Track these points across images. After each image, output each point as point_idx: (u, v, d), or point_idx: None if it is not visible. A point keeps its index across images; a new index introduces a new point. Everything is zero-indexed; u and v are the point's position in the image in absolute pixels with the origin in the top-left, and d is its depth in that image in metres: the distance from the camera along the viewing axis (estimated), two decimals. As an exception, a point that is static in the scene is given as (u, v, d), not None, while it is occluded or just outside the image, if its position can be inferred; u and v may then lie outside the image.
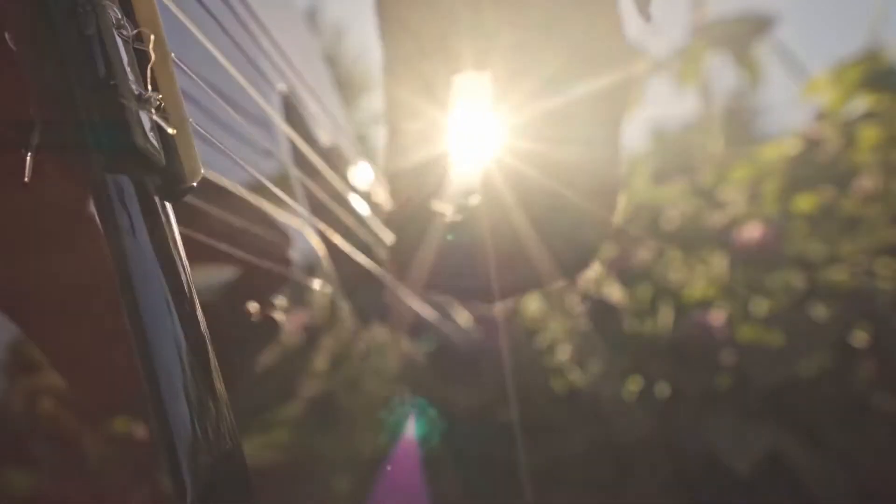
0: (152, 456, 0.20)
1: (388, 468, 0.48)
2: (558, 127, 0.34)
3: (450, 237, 0.38)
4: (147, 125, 0.18)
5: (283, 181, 0.37)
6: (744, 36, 1.24)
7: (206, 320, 0.21)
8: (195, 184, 0.20)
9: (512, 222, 0.35)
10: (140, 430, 0.20)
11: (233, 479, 0.21)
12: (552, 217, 0.35)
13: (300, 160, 0.42)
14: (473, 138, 0.39)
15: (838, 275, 1.07)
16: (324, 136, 0.52)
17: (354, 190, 0.52)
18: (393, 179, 0.39)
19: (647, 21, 0.33)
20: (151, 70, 0.18)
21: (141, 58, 0.18)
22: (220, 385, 0.21)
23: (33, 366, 0.17)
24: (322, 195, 0.44)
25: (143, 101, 0.18)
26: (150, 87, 0.18)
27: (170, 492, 0.18)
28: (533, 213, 0.35)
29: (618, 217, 0.35)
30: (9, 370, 0.16)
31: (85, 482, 0.17)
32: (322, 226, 0.42)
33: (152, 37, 0.19)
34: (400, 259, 0.39)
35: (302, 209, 0.39)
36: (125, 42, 0.18)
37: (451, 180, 0.39)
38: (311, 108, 0.51)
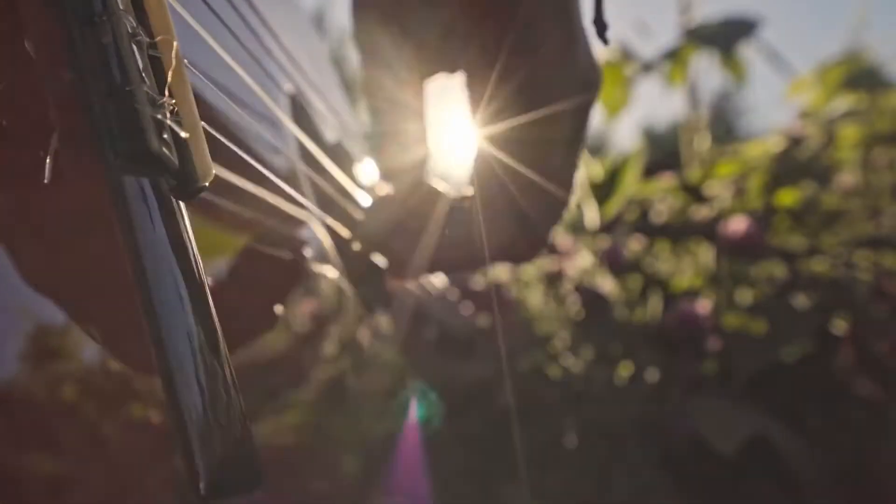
0: (168, 440, 0.20)
1: (393, 450, 0.49)
2: (523, 129, 0.35)
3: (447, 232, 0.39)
4: (161, 129, 0.18)
5: (291, 177, 0.37)
6: (730, 38, 1.24)
7: (219, 312, 0.21)
8: (207, 184, 0.20)
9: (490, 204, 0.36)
10: (156, 415, 0.20)
11: (243, 464, 0.21)
12: (516, 200, 0.36)
13: (307, 157, 0.42)
14: (452, 137, 0.40)
15: (819, 266, 1.07)
16: (330, 134, 0.52)
17: (359, 185, 0.52)
18: (385, 176, 0.40)
19: (605, 44, 0.33)
20: (165, 76, 0.18)
21: (155, 64, 0.18)
22: (230, 373, 0.21)
23: (55, 353, 0.17)
24: (328, 190, 0.44)
25: (157, 107, 0.18)
26: (164, 93, 0.18)
27: (185, 477, 0.18)
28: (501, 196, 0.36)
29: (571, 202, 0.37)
30: (31, 358, 0.16)
31: (105, 466, 0.17)
32: (328, 219, 0.42)
33: (166, 44, 0.19)
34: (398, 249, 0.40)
35: (309, 204, 0.40)
36: (140, 50, 0.18)
37: (436, 175, 0.40)
38: (318, 107, 0.51)
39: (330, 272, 0.39)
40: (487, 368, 1.02)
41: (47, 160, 0.17)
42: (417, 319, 0.62)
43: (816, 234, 1.12)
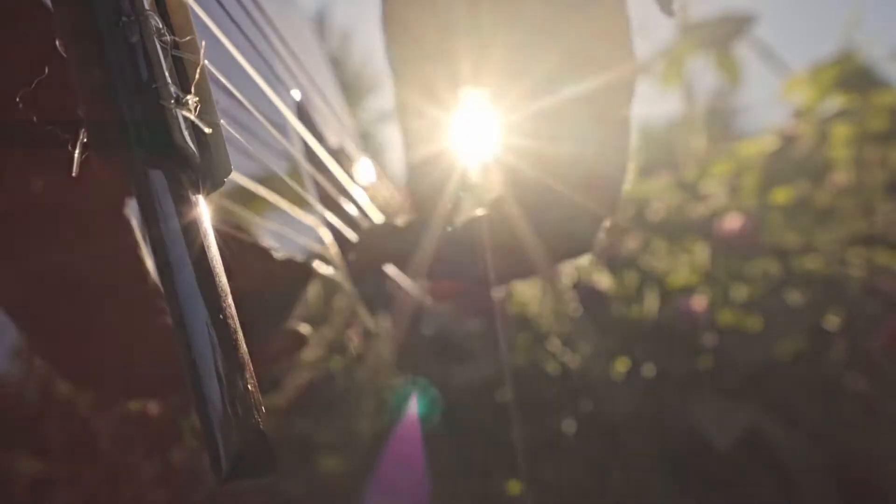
0: (164, 433, 0.21)
1: (392, 444, 0.49)
2: (553, 125, 0.34)
3: (450, 229, 0.38)
4: (184, 125, 0.18)
5: (296, 177, 0.38)
6: (725, 37, 1.24)
7: (234, 303, 0.22)
8: (226, 179, 0.21)
9: (509, 216, 0.35)
10: (153, 408, 0.20)
11: (259, 451, 0.21)
12: (546, 210, 0.35)
13: (312, 158, 0.42)
14: (474, 135, 0.39)
15: (812, 263, 1.08)
16: (332, 136, 0.52)
17: (359, 185, 0.53)
18: (407, 174, 0.39)
19: (670, 16, 0.32)
20: (188, 75, 0.19)
21: (178, 63, 0.19)
22: (247, 362, 0.21)
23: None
24: (331, 190, 0.44)
25: (180, 104, 0.18)
26: (189, 91, 0.19)
27: (208, 464, 0.18)
28: (528, 207, 0.35)
29: (614, 211, 0.35)
30: (25, 355, 0.16)
31: (97, 463, 0.17)
32: (331, 218, 0.43)
33: (191, 44, 0.19)
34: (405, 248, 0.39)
35: (314, 202, 0.40)
36: (164, 48, 0.18)
37: (455, 176, 0.39)
38: (321, 110, 0.52)
39: (330, 271, 0.40)
40: (487, 364, 1.02)
41: (76, 154, 0.17)
42: (415, 320, 0.63)
43: (810, 232, 1.13)
